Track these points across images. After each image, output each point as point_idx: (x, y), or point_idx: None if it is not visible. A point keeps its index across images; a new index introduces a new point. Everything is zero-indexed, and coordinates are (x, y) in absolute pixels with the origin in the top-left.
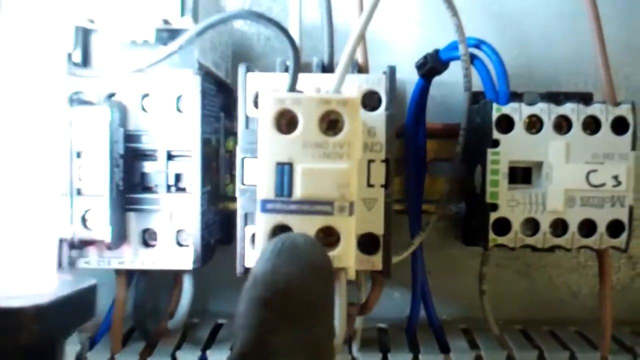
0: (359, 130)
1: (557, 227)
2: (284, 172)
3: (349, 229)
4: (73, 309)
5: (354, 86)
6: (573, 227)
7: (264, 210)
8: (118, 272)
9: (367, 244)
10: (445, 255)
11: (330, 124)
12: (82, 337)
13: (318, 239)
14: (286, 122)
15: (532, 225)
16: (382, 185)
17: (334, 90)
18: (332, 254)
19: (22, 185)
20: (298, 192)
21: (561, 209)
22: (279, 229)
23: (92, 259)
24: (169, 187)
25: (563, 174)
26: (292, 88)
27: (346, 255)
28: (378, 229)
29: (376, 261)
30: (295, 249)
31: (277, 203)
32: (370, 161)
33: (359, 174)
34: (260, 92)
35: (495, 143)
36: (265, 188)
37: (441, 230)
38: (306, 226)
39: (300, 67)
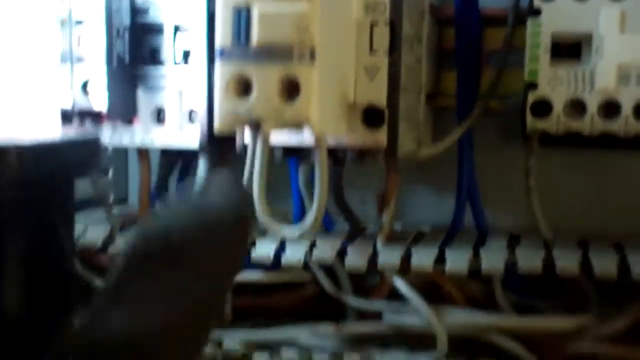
0: None
1: (608, 110)
2: (241, 16)
3: (309, 78)
4: (66, 157)
5: None
6: (627, 109)
7: (222, 58)
8: (140, 151)
9: (370, 117)
10: (503, 157)
11: None
12: (113, 220)
13: (283, 94)
14: None
15: (578, 108)
16: (386, 52)
17: None
18: (290, 106)
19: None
20: (255, 38)
21: (613, 87)
22: (239, 81)
23: (105, 135)
24: (176, 64)
25: (616, 46)
26: None
27: (306, 108)
28: (381, 101)
29: (380, 137)
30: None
31: (235, 51)
32: (372, 24)
33: (359, 38)
34: None
35: (536, 12)
36: (223, 35)
37: (503, 129)
38: (266, 76)
39: None
